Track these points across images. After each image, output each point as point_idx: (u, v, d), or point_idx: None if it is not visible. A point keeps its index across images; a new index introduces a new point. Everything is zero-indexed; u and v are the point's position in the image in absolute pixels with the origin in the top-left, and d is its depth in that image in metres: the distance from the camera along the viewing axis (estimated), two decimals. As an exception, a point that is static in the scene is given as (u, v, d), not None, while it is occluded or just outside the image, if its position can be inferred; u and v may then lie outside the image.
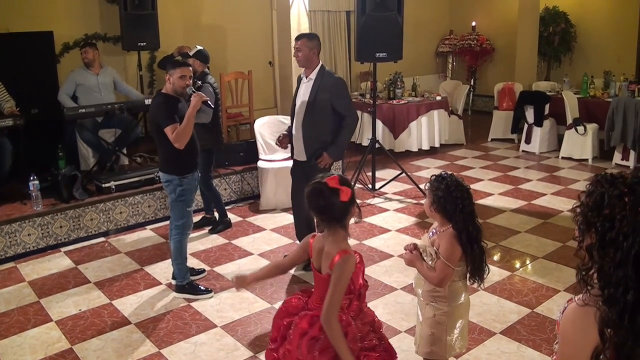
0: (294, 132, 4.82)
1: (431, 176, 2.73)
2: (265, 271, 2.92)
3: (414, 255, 2.74)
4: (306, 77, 4.74)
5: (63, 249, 5.47)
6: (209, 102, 4.48)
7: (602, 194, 1.57)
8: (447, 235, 2.64)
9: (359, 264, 2.52)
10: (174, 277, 4.62)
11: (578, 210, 1.65)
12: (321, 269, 2.52)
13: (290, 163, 6.45)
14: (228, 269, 4.97)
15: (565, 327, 1.64)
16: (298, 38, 4.70)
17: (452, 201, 2.59)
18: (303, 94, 4.71)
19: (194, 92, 4.33)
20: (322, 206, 2.44)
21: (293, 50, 4.77)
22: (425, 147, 8.64)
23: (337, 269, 2.40)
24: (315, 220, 2.59)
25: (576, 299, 1.64)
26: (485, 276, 2.70)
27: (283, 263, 2.85)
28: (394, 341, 3.39)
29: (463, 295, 2.76)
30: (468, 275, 2.71)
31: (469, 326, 2.95)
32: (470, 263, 2.66)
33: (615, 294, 1.52)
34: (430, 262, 2.68)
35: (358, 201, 2.56)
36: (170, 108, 4.19)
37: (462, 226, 2.60)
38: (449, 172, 2.71)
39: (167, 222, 5.44)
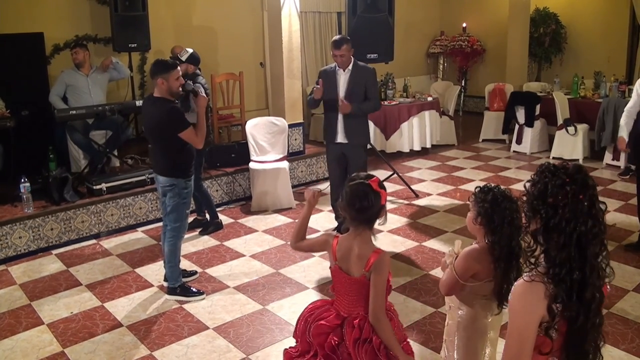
0: (339, 117, 5.32)
1: (475, 188, 2.53)
2: (303, 223, 2.76)
3: (444, 263, 2.67)
4: (343, 70, 5.28)
5: (54, 252, 5.45)
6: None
7: (545, 183, 1.73)
8: (471, 248, 2.50)
9: None
10: (165, 279, 4.61)
11: (524, 198, 1.80)
12: (350, 271, 2.52)
13: (282, 164, 6.47)
14: (220, 271, 4.96)
15: (513, 302, 1.78)
16: (340, 45, 5.17)
17: (500, 212, 2.40)
18: (343, 84, 5.29)
19: (191, 90, 4.52)
20: (365, 207, 2.47)
21: (335, 59, 5.27)
22: (417, 147, 8.66)
23: (376, 268, 2.44)
24: (346, 217, 2.56)
25: (524, 276, 1.77)
26: None
27: (303, 240, 2.76)
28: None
29: (487, 316, 2.54)
30: (497, 298, 2.46)
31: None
32: (503, 283, 2.41)
33: (560, 273, 1.71)
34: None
35: None
36: (181, 112, 4.31)
37: (505, 241, 2.39)
38: (495, 184, 2.52)
39: (159, 224, 5.44)
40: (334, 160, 5.54)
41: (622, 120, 5.39)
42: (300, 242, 2.74)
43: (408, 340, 2.69)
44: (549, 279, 1.72)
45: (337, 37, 5.42)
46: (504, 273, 2.41)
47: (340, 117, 5.32)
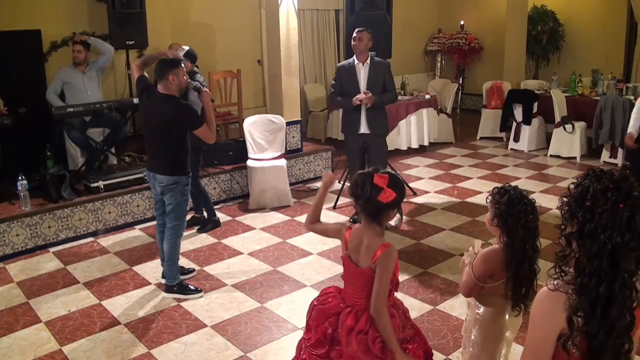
0: (362, 109, 5.59)
1: (493, 189, 2.56)
2: (318, 203, 2.82)
3: (463, 262, 2.73)
4: (362, 64, 5.60)
5: (52, 249, 5.44)
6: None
7: (587, 186, 1.63)
8: (488, 249, 2.55)
9: None
10: (163, 277, 4.61)
11: (565, 199, 1.70)
12: (359, 262, 2.54)
13: (280, 162, 6.48)
14: (218, 269, 4.96)
15: (535, 310, 1.71)
16: (361, 30, 5.53)
17: (515, 215, 2.41)
18: (363, 78, 5.58)
19: (194, 87, 4.55)
20: (358, 195, 2.47)
21: (354, 41, 5.56)
22: (415, 145, 8.67)
23: (382, 262, 2.45)
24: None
25: (548, 284, 1.69)
26: (530, 302, 2.44)
27: (318, 222, 2.82)
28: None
29: (505, 316, 2.57)
30: (511, 300, 2.50)
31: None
32: (515, 285, 2.45)
33: (587, 284, 1.59)
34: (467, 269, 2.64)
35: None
36: (195, 109, 4.40)
37: (519, 243, 2.41)
38: (513, 185, 2.54)
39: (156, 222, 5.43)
40: (356, 152, 5.75)
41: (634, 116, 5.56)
42: (315, 224, 2.78)
43: (417, 345, 2.60)
44: (573, 289, 1.62)
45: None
46: (514, 275, 2.43)
47: (363, 109, 5.57)
